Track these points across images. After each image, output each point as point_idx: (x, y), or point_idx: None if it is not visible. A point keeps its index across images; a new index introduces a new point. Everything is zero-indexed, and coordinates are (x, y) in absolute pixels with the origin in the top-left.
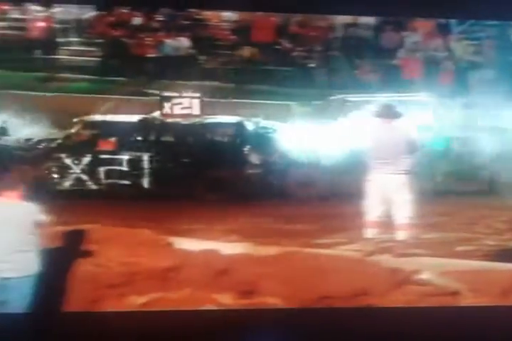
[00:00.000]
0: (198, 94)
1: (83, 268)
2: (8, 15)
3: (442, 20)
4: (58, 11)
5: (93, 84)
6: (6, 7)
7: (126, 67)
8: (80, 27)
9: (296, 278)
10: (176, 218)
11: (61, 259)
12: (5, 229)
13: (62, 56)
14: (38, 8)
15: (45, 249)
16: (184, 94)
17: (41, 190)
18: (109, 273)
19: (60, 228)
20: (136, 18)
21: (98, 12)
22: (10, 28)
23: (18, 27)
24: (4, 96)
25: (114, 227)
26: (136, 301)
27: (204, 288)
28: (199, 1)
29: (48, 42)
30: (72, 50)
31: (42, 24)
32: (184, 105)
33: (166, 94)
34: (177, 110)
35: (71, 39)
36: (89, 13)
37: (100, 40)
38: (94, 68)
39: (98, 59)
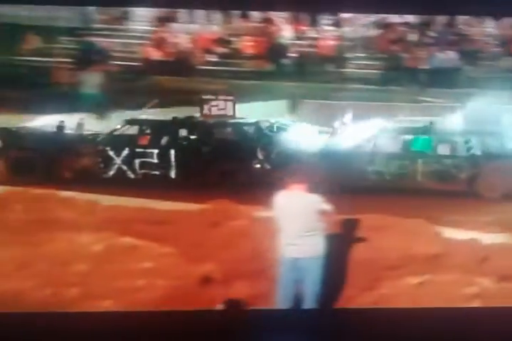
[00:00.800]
0: (231, 97)
1: (364, 252)
2: (305, 35)
3: None
4: (347, 30)
5: (374, 93)
6: (303, 28)
7: (402, 77)
8: (365, 44)
9: None
10: (445, 210)
11: (343, 244)
12: (295, 216)
13: (349, 69)
14: (330, 28)
15: (329, 234)
16: (220, 97)
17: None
18: (387, 256)
19: (342, 216)
20: (411, 35)
21: (380, 30)
22: (307, 46)
23: (314, 45)
24: (307, 104)
25: (391, 217)
26: (412, 281)
27: (468, 272)
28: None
29: (338, 58)
30: (357, 64)
31: (333, 42)
32: (220, 107)
33: (205, 97)
34: (214, 111)
35: (357, 54)
36: (372, 31)
37: (381, 55)
38: (376, 79)
39: (379, 71)
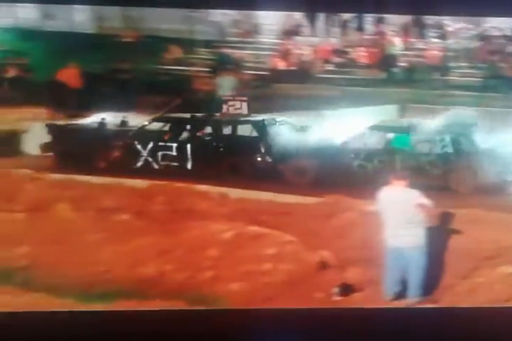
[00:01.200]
0: (245, 98)
1: (462, 243)
2: (413, 46)
3: None
4: (451, 42)
5: (473, 98)
6: (412, 40)
7: (500, 85)
8: (467, 54)
9: None
10: None
11: (442, 235)
12: (398, 210)
13: (452, 77)
14: (436, 40)
15: (430, 226)
16: (237, 98)
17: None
18: (483, 247)
19: (439, 209)
20: (509, 46)
21: (480, 42)
22: (415, 56)
23: (421, 55)
24: (414, 109)
25: (485, 211)
26: (506, 270)
27: None
28: None
29: (443, 67)
30: (460, 72)
31: (439, 53)
32: (236, 106)
33: (225, 97)
34: (232, 110)
35: (460, 64)
36: (473, 43)
37: (481, 64)
38: (476, 86)
39: (479, 79)
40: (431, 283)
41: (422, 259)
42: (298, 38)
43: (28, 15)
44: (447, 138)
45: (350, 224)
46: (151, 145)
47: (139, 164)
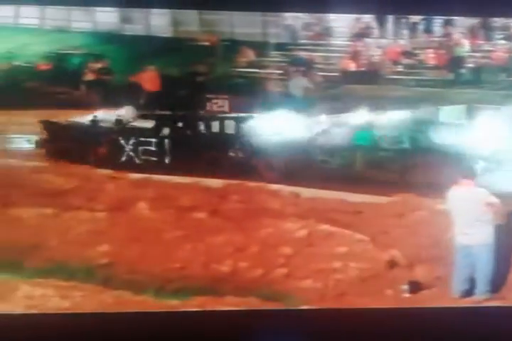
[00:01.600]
0: (226, 96)
1: None
2: (480, 48)
3: None
4: None
5: None
6: (479, 41)
7: None
8: None
9: None
10: None
11: (509, 233)
12: (467, 208)
13: None
14: (503, 41)
15: (497, 224)
16: (219, 96)
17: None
18: None
19: (507, 208)
20: None
21: None
22: (482, 57)
23: (488, 56)
24: (481, 110)
25: None
26: None
27: None
28: None
29: (509, 68)
30: None
31: (505, 54)
32: (219, 104)
33: (209, 96)
34: (215, 108)
35: None
36: None
37: None
38: None
39: None
40: (499, 280)
41: (490, 257)
42: (368, 40)
43: (107, 19)
44: (407, 135)
45: (420, 222)
46: (133, 140)
47: (123, 158)
